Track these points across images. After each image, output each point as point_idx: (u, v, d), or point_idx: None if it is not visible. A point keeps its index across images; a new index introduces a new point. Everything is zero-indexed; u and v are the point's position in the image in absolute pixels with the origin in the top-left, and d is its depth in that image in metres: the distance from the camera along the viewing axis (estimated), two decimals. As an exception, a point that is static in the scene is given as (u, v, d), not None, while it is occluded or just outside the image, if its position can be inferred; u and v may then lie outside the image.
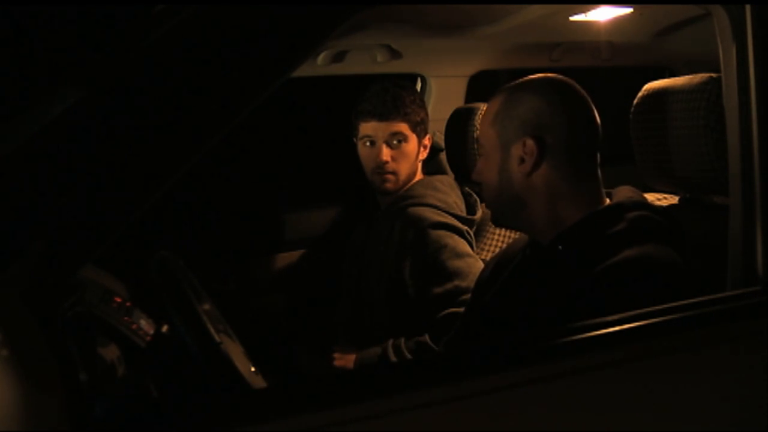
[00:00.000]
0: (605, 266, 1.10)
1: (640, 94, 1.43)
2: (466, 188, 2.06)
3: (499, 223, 1.37)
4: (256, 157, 2.85)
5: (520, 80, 1.28)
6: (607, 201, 1.26)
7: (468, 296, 1.69)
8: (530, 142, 1.21)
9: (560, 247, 1.20)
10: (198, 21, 0.84)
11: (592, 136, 1.25)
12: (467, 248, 1.86)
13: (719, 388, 1.03)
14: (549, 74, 1.28)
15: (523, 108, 1.23)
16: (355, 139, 1.97)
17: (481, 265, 1.80)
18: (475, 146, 1.94)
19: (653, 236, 1.15)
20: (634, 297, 1.02)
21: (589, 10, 1.85)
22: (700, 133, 1.28)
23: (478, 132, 1.31)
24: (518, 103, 1.24)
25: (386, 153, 1.89)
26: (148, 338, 1.27)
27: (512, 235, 2.02)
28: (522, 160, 1.22)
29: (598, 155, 1.26)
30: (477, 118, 2.03)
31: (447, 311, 1.75)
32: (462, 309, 1.70)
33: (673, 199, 1.53)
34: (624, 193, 1.28)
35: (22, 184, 0.79)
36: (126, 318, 1.29)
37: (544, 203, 1.23)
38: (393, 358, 1.76)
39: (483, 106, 2.06)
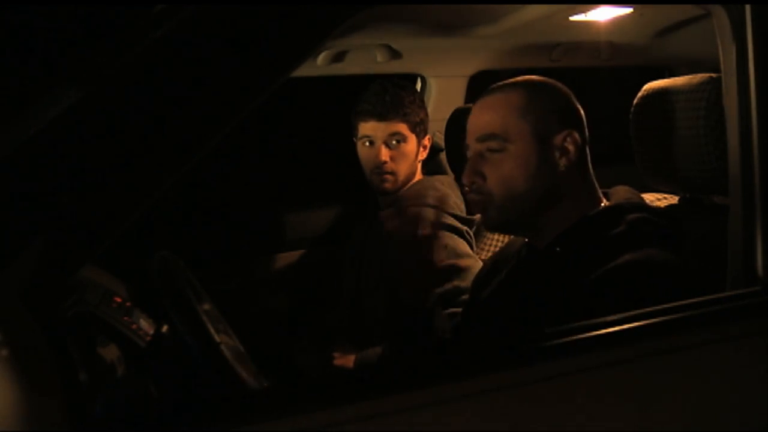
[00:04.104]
0: (604, 270, 1.09)
1: (640, 94, 1.43)
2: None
3: (501, 229, 1.28)
4: (257, 157, 2.85)
5: (527, 77, 1.25)
6: (605, 201, 1.25)
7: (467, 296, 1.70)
8: (575, 134, 1.19)
9: (558, 249, 1.19)
10: (198, 21, 0.84)
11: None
12: (467, 248, 1.86)
13: (719, 388, 1.03)
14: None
15: (560, 101, 1.21)
16: (354, 139, 1.97)
17: (481, 265, 1.80)
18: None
19: (653, 239, 1.14)
20: (634, 301, 1.02)
21: (589, 10, 1.85)
22: (700, 133, 1.28)
23: (494, 132, 1.19)
24: (551, 96, 1.22)
25: (385, 153, 1.88)
26: (148, 338, 1.27)
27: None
28: (563, 151, 1.19)
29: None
30: (477, 118, 2.03)
31: (446, 311, 1.75)
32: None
33: (673, 199, 1.53)
34: (621, 193, 1.26)
35: (22, 184, 0.80)
36: (126, 318, 1.29)
37: (564, 201, 1.21)
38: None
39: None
